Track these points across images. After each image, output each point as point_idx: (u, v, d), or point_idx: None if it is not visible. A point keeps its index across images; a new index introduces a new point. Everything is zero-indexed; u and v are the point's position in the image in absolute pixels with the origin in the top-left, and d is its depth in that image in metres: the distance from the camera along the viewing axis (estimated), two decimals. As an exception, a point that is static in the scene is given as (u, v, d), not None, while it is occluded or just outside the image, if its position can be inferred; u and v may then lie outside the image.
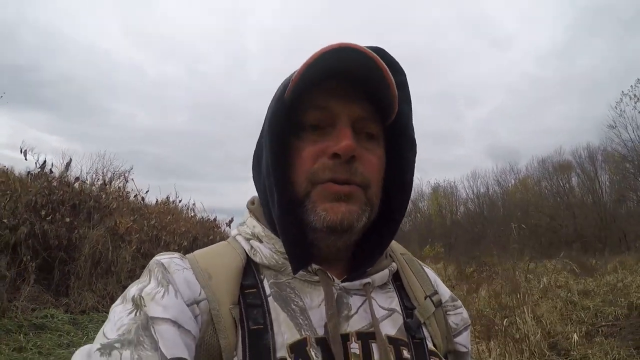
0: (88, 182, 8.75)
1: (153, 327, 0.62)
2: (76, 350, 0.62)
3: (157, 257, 0.76)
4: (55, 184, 7.37)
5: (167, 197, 12.45)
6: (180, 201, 12.82)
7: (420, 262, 0.97)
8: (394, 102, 0.75)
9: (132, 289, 0.68)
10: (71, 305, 6.15)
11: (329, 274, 0.77)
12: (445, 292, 0.95)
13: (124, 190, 10.40)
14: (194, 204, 13.09)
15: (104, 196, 8.36)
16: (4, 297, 5.38)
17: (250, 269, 0.78)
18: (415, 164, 0.84)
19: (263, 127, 0.81)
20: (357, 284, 0.79)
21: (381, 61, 0.70)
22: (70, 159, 8.27)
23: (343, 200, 0.72)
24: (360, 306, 0.78)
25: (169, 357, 0.60)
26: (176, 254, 0.78)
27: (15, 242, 6.02)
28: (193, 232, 10.95)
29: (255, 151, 0.87)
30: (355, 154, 0.73)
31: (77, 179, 8.14)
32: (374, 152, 0.78)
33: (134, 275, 7.42)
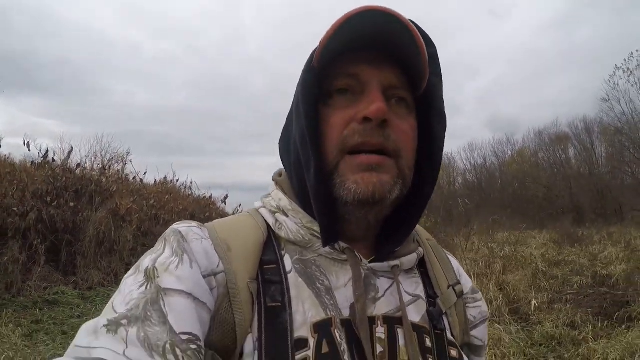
0: (88, 166, 9.40)
1: (163, 300, 0.60)
2: (86, 320, 0.61)
3: (174, 226, 0.74)
4: (58, 172, 8.00)
5: (165, 178, 13.09)
6: (177, 180, 13.47)
7: (444, 250, 0.96)
8: (424, 70, 0.72)
9: (146, 260, 0.67)
10: (79, 282, 6.83)
11: (356, 254, 0.76)
12: (467, 282, 0.93)
13: (123, 172, 11.05)
14: (191, 183, 13.75)
15: (104, 180, 9.00)
16: (18, 278, 6.06)
17: (271, 244, 0.77)
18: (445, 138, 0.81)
19: (294, 99, 0.79)
20: (385, 265, 0.78)
21: (412, 25, 0.68)
22: (72, 148, 8.93)
23: (374, 170, 0.70)
24: (388, 289, 0.77)
25: (178, 332, 0.59)
26: (194, 223, 0.76)
27: (25, 227, 6.67)
28: (190, 210, 11.57)
29: (284, 126, 0.86)
30: (387, 117, 0.70)
31: (78, 165, 8.81)
32: (406, 120, 0.76)
33: (135, 253, 8.13)
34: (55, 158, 8.53)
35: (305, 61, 0.77)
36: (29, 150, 8.14)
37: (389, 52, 0.73)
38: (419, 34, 0.68)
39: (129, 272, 0.66)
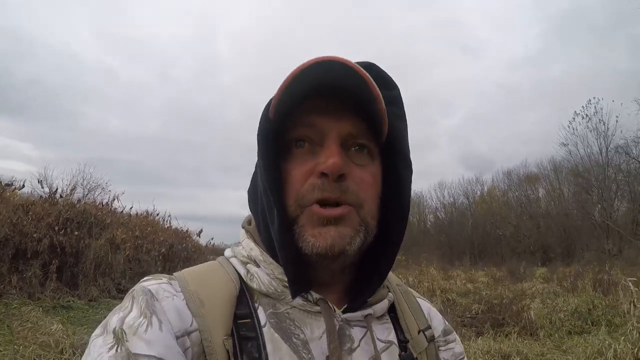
0: (76, 198, 11.69)
1: None
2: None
3: (142, 283, 0.74)
4: (63, 206, 10.22)
5: (147, 212, 15.26)
6: (157, 214, 15.61)
7: (415, 293, 0.98)
8: (383, 118, 0.73)
9: (113, 318, 0.67)
10: (81, 295, 8.92)
11: (330, 304, 0.77)
12: (438, 325, 0.96)
13: (112, 206, 13.28)
14: (169, 216, 15.91)
15: (99, 214, 11.21)
16: (37, 289, 8.22)
17: (244, 297, 0.77)
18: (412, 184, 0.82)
19: (257, 152, 0.79)
20: (358, 315, 0.79)
21: (365, 72, 0.69)
22: (75, 187, 11.24)
23: (332, 224, 0.71)
24: (362, 338, 0.78)
25: None
26: (164, 278, 0.77)
27: (40, 250, 8.83)
28: (170, 241, 13.65)
29: (252, 175, 0.88)
30: (345, 172, 0.71)
31: (78, 200, 11.07)
32: (367, 169, 0.77)
33: (125, 275, 10.32)
34: (62, 194, 10.79)
35: (262, 112, 0.77)
36: (42, 187, 10.41)
37: (347, 102, 0.73)
38: (373, 83, 0.69)
39: (96, 332, 0.66)
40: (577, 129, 24.32)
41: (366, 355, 0.77)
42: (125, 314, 0.67)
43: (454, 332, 0.98)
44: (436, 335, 0.92)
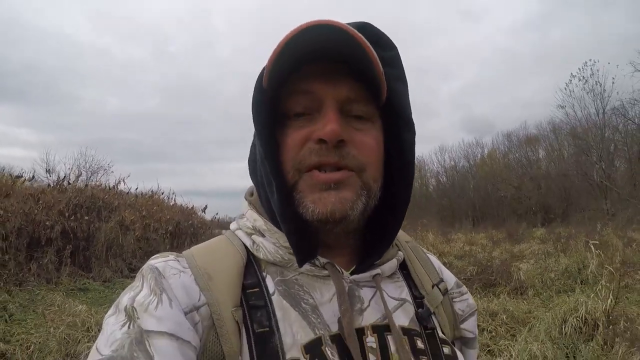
0: (74, 179, 12.17)
1: (148, 341, 0.62)
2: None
3: (150, 262, 0.76)
4: (70, 193, 10.69)
5: (152, 191, 15.76)
6: (162, 193, 16.14)
7: (423, 249, 0.98)
8: (380, 80, 0.72)
9: (125, 298, 0.69)
10: (96, 277, 9.44)
11: (337, 267, 0.78)
12: (450, 278, 0.96)
13: (118, 189, 13.77)
14: (174, 194, 16.43)
15: (106, 197, 11.69)
16: (54, 274, 8.74)
17: (251, 267, 0.78)
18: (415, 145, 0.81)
19: (253, 121, 0.79)
20: (366, 275, 0.80)
21: (359, 35, 0.67)
22: (80, 172, 11.68)
23: (333, 189, 0.71)
24: (372, 298, 0.79)
25: None
26: (171, 255, 0.78)
27: (53, 237, 9.32)
28: (176, 219, 14.15)
29: (251, 145, 0.88)
30: (344, 137, 0.71)
31: (86, 185, 11.53)
32: (368, 133, 0.76)
33: (135, 255, 10.88)
34: (69, 180, 11.27)
35: (255, 81, 0.76)
36: (50, 176, 10.89)
37: (342, 66, 0.73)
38: (369, 45, 0.68)
39: (109, 312, 0.68)
40: (573, 91, 24.52)
41: (377, 314, 0.78)
42: (136, 292, 0.69)
43: (465, 287, 0.99)
44: (449, 288, 0.93)
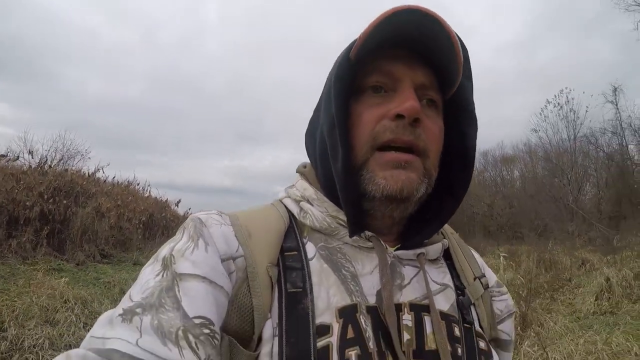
0: (53, 162, 12.78)
1: (178, 286, 0.64)
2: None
3: (194, 214, 0.79)
4: (52, 177, 11.27)
5: (128, 181, 16.37)
6: (138, 184, 16.76)
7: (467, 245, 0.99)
8: (458, 74, 0.77)
9: (165, 249, 0.71)
10: (69, 260, 10.03)
11: (382, 242, 0.80)
12: (491, 276, 0.97)
13: (96, 176, 14.35)
14: (149, 186, 17.08)
15: (84, 183, 12.28)
16: (31, 253, 9.33)
17: (292, 232, 0.82)
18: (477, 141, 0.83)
19: (324, 89, 0.84)
20: (410, 253, 0.82)
21: (451, 28, 0.72)
22: (62, 157, 12.30)
23: (402, 168, 0.75)
24: (414, 277, 0.80)
25: (191, 316, 0.62)
26: (214, 211, 0.81)
27: (32, 218, 9.91)
28: (150, 210, 14.75)
29: (311, 119, 0.92)
30: (420, 117, 0.75)
31: (66, 170, 12.13)
32: (434, 120, 0.81)
33: (108, 242, 11.48)
34: (51, 164, 11.88)
35: (341, 52, 0.80)
36: (32, 157, 11.49)
37: (423, 53, 0.78)
38: (457, 39, 0.72)
39: (148, 262, 0.71)
40: (548, 117, 25.70)
41: (417, 293, 0.78)
42: (176, 242, 0.71)
43: (505, 287, 0.98)
44: (490, 285, 0.93)
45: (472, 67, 0.85)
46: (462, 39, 0.79)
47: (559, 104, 24.79)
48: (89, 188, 12.22)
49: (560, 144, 26.03)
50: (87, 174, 13.57)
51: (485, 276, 0.93)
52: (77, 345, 0.60)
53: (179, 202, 17.81)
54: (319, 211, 0.83)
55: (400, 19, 0.71)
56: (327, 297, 0.73)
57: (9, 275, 7.21)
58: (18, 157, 11.74)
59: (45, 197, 10.50)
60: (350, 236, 0.79)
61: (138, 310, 0.61)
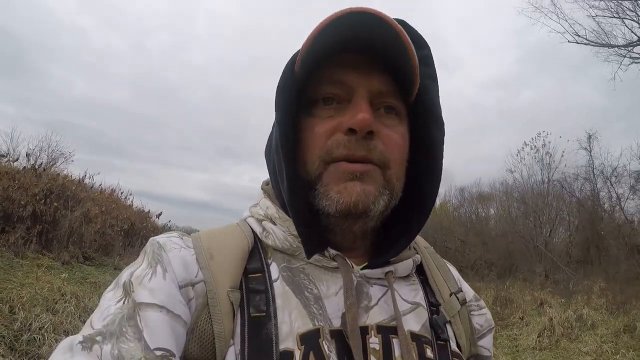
0: (62, 175, 13.62)
1: (139, 315, 0.64)
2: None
3: (154, 237, 0.78)
4: (46, 179, 12.12)
5: (112, 189, 17.28)
6: (122, 192, 17.65)
7: (443, 259, 0.98)
8: (414, 75, 0.73)
9: (125, 273, 0.71)
10: (55, 259, 10.85)
11: (347, 260, 0.78)
12: (468, 290, 0.97)
13: (84, 182, 15.20)
14: (131, 194, 17.97)
15: (74, 188, 13.13)
16: (22, 249, 10.13)
17: (256, 253, 0.80)
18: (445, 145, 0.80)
19: (275, 105, 0.78)
20: (378, 272, 0.80)
21: (398, 25, 0.68)
22: (55, 160, 13.18)
23: (357, 179, 0.72)
24: (382, 297, 0.79)
25: (152, 347, 0.61)
26: (175, 233, 0.80)
27: (25, 216, 10.73)
28: (132, 219, 15.62)
29: (270, 133, 0.88)
30: (373, 129, 0.72)
31: (58, 174, 13.00)
32: (395, 129, 0.78)
33: (92, 246, 12.35)
34: (45, 167, 12.75)
35: (285, 64, 0.77)
36: (28, 160, 12.35)
37: (376, 57, 0.74)
38: (407, 36, 0.69)
39: (109, 287, 0.70)
40: (524, 158, 26.76)
41: (385, 314, 0.77)
42: (136, 267, 0.72)
43: (483, 301, 0.97)
44: (468, 300, 0.93)
45: (438, 74, 0.84)
46: (420, 35, 0.80)
47: (535, 146, 25.91)
48: (78, 193, 13.09)
49: (535, 186, 27.14)
50: (77, 180, 14.51)
51: (462, 291, 0.92)
52: (75, 332, 0.59)
53: (160, 214, 18.82)
54: (281, 230, 0.81)
55: (344, 24, 0.68)
56: (289, 321, 0.71)
57: (8, 268, 8.04)
58: (18, 158, 12.59)
59: (38, 198, 11.33)
60: (308, 257, 0.77)
61: (98, 338, 0.61)
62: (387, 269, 0.82)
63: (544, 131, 27.12)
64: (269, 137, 0.89)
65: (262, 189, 0.92)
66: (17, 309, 5.66)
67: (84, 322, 0.67)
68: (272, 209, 0.85)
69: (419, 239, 0.97)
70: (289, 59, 0.79)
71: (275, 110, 0.77)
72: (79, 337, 0.62)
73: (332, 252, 0.79)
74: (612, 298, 11.36)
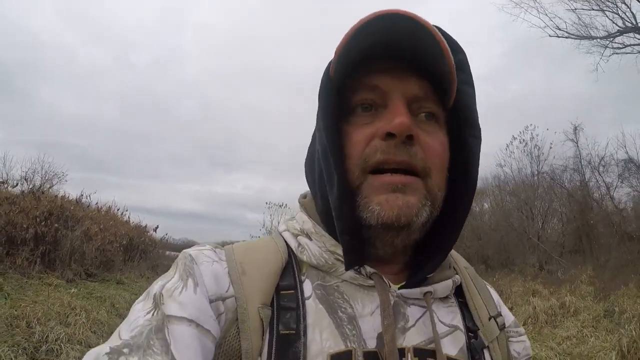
0: (61, 196, 14.22)
1: (167, 328, 0.63)
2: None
3: (186, 250, 0.78)
4: (46, 202, 12.70)
5: (109, 206, 17.88)
6: (118, 209, 18.27)
7: (484, 280, 0.96)
8: (452, 80, 0.72)
9: (156, 285, 0.71)
10: (60, 277, 11.40)
11: (384, 279, 0.76)
12: (508, 315, 0.94)
13: (81, 201, 15.80)
14: (127, 211, 18.62)
15: (72, 208, 13.71)
16: (27, 270, 10.70)
17: (290, 269, 0.79)
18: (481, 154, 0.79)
19: (317, 113, 0.79)
20: (417, 292, 0.78)
21: (434, 28, 0.67)
22: (52, 184, 13.77)
23: (399, 192, 0.70)
24: (420, 318, 0.77)
25: None
26: (208, 245, 0.80)
27: (28, 239, 11.30)
28: (130, 234, 16.28)
29: (309, 145, 0.88)
30: (413, 133, 0.70)
31: (55, 196, 13.59)
32: (435, 135, 0.76)
33: (93, 262, 12.94)
34: (43, 190, 13.34)
35: (323, 71, 0.77)
36: (28, 184, 12.96)
37: (412, 61, 0.73)
38: (443, 39, 0.68)
39: (140, 298, 0.71)
40: (514, 152, 27.12)
41: (423, 336, 0.75)
42: (168, 280, 0.71)
43: (523, 328, 0.95)
44: (507, 325, 0.91)
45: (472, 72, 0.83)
46: (455, 40, 0.79)
47: (524, 140, 26.43)
48: (77, 212, 13.67)
49: (525, 179, 27.63)
50: (75, 200, 15.10)
51: (501, 315, 0.90)
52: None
53: (156, 228, 19.53)
54: (317, 246, 0.80)
55: (377, 27, 0.67)
56: (320, 341, 0.70)
57: (18, 288, 8.62)
58: (17, 184, 13.17)
59: (39, 220, 11.90)
60: (346, 269, 0.76)
61: (125, 350, 0.61)
62: (425, 289, 0.79)
63: (531, 124, 27.58)
64: (310, 146, 0.89)
65: (299, 202, 0.92)
66: (34, 324, 6.27)
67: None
68: (309, 224, 0.84)
69: (459, 258, 0.96)
70: (325, 65, 0.79)
71: (318, 119, 0.78)
72: (105, 348, 0.62)
73: (369, 270, 0.77)
74: (599, 285, 11.91)
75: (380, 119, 0.73)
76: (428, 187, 0.74)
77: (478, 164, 0.80)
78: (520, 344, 0.92)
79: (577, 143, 21.26)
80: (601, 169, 18.75)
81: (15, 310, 6.64)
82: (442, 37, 0.68)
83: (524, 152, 27.15)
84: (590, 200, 20.59)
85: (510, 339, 0.91)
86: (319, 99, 0.77)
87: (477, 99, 0.81)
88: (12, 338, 5.72)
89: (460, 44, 0.79)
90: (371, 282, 0.76)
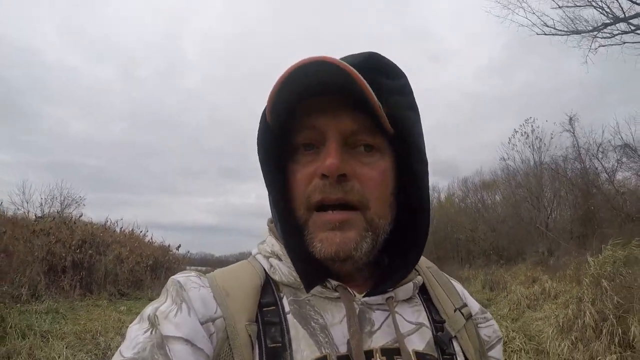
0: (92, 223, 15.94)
1: (167, 346, 0.69)
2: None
3: (173, 277, 0.84)
4: (80, 232, 14.41)
5: (132, 229, 19.49)
6: (141, 231, 19.87)
7: (447, 275, 1.03)
8: (377, 111, 0.74)
9: (148, 309, 0.76)
10: (97, 298, 12.98)
11: (349, 290, 0.82)
12: (474, 304, 1.00)
13: (106, 225, 17.52)
14: (147, 230, 20.21)
15: (101, 234, 15.41)
16: (70, 293, 12.35)
17: (269, 287, 0.85)
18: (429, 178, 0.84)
19: (258, 158, 0.84)
20: (379, 298, 0.84)
21: (350, 67, 0.70)
22: (82, 214, 15.51)
23: (338, 229, 0.76)
24: (384, 321, 0.83)
25: None
26: (193, 273, 0.86)
27: (67, 266, 12.94)
28: (155, 254, 17.87)
29: None
30: (346, 171, 0.75)
31: (85, 223, 15.33)
32: (373, 165, 0.80)
33: (126, 283, 14.58)
34: (75, 220, 15.12)
35: (260, 119, 0.81)
36: (59, 215, 14.73)
37: (344, 98, 0.76)
38: (360, 77, 0.70)
39: (134, 322, 0.75)
40: (516, 145, 27.86)
41: (388, 337, 0.80)
42: (160, 304, 0.76)
43: (489, 313, 1.01)
44: (473, 313, 0.97)
45: (419, 96, 0.86)
46: (394, 66, 0.83)
47: (525, 132, 27.27)
48: (106, 238, 15.36)
49: (528, 170, 28.44)
50: (103, 226, 16.85)
51: (467, 305, 0.96)
52: None
53: (179, 246, 20.92)
54: (286, 266, 0.85)
55: (301, 75, 0.71)
56: (300, 351, 0.76)
57: (70, 310, 10.30)
58: (54, 218, 14.87)
59: (74, 248, 13.56)
60: (307, 291, 0.80)
61: None
62: (387, 295, 0.84)
63: (530, 117, 28.29)
64: None
65: (267, 226, 0.96)
66: (97, 335, 7.89)
67: None
68: (277, 246, 0.88)
69: (421, 259, 0.98)
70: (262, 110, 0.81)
71: (260, 163, 0.83)
72: None
73: (334, 283, 0.82)
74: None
75: (320, 158, 0.78)
76: (367, 219, 0.78)
77: (427, 186, 0.85)
78: (489, 328, 0.98)
79: (573, 133, 21.79)
80: (600, 155, 19.25)
81: (79, 327, 8.30)
82: (360, 77, 0.71)
83: (526, 144, 28.00)
84: (592, 187, 20.98)
85: (479, 325, 0.96)
86: (257, 144, 0.82)
87: (421, 122, 0.86)
88: (84, 347, 7.32)
89: (401, 68, 0.84)
90: (337, 294, 0.81)
